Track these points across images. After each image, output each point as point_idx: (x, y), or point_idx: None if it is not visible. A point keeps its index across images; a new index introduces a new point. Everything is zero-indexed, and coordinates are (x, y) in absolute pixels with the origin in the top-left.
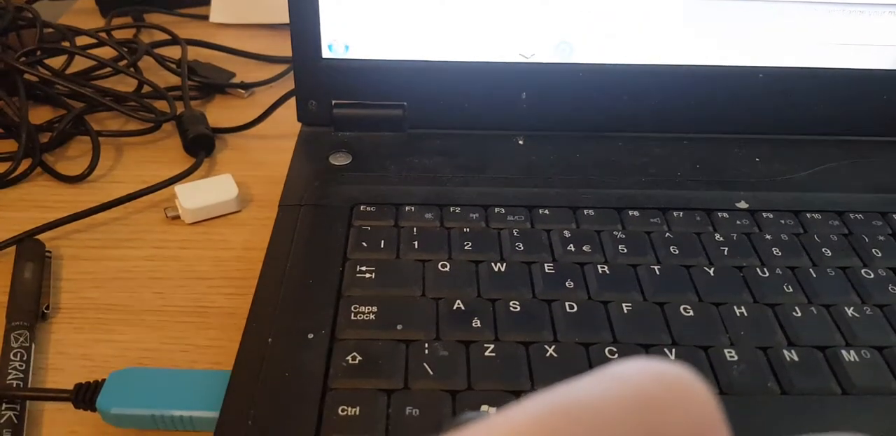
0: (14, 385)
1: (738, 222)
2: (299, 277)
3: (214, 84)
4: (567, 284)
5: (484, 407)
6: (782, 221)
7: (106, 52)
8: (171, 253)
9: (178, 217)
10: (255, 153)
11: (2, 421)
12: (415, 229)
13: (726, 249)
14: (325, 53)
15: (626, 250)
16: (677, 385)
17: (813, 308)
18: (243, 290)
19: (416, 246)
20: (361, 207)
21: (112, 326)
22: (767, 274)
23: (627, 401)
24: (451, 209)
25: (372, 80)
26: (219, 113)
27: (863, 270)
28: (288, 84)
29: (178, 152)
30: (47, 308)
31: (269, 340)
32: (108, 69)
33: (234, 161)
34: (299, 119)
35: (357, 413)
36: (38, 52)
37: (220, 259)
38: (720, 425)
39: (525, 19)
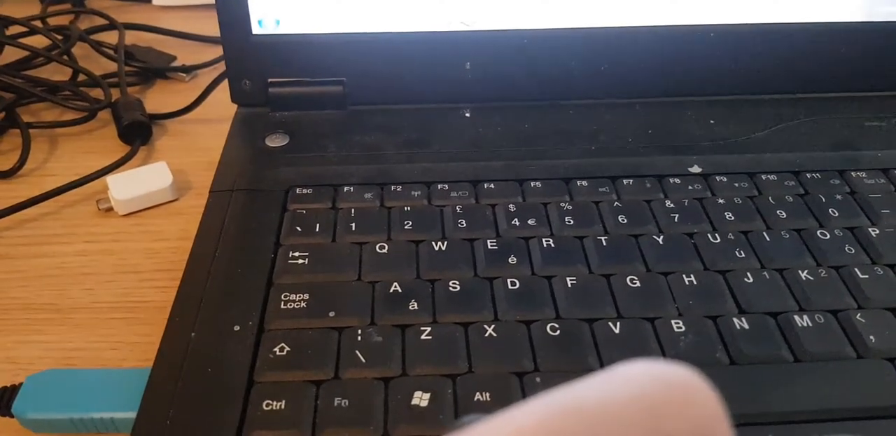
0: None
1: (690, 188)
2: (228, 267)
3: (153, 68)
4: (510, 260)
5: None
6: (736, 185)
7: (41, 41)
8: (103, 247)
9: (111, 209)
10: (195, 138)
11: None
12: (353, 211)
13: (677, 215)
14: (256, 29)
15: (572, 222)
16: (681, 387)
17: (765, 273)
18: (176, 282)
19: (354, 228)
20: (297, 190)
21: (39, 326)
22: (719, 240)
23: (632, 402)
24: (393, 188)
25: (307, 56)
26: (159, 98)
27: (818, 232)
28: None
29: (114, 142)
30: None
31: (193, 334)
32: (43, 58)
33: (172, 148)
34: (233, 100)
35: (283, 407)
36: None
37: (153, 251)
38: (724, 427)
39: None
